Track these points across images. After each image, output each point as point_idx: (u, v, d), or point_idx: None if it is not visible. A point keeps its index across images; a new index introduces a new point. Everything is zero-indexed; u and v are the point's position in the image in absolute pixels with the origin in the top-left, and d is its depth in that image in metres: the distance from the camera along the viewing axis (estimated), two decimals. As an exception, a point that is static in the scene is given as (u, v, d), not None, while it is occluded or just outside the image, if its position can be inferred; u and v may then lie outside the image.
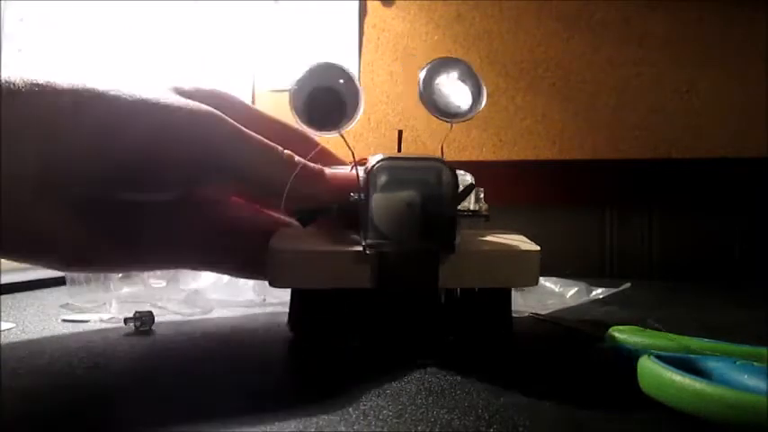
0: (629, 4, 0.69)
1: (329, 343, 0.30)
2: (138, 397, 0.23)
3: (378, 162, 0.27)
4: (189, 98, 0.29)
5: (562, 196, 0.69)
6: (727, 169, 0.65)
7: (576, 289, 0.46)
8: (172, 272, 0.47)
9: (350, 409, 0.21)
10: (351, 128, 0.29)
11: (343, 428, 0.19)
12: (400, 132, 0.36)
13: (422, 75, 0.30)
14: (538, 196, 0.70)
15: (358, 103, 0.29)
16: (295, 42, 0.76)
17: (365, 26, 0.76)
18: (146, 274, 0.46)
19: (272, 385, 0.25)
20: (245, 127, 0.30)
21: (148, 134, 0.27)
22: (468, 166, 0.31)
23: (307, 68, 0.28)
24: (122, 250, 0.31)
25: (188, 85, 0.31)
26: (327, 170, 0.31)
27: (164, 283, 0.46)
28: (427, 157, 0.29)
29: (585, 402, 0.23)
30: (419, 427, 0.19)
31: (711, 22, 0.67)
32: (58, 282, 0.48)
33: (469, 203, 0.32)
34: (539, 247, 0.30)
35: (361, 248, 0.28)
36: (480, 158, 0.72)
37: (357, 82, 0.29)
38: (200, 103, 0.28)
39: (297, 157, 0.30)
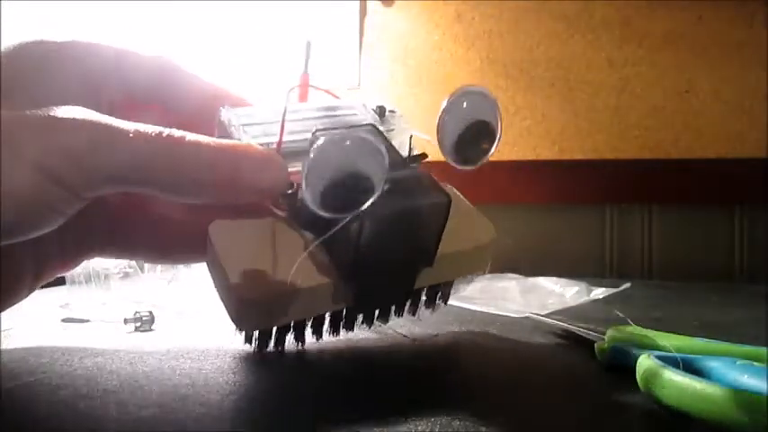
0: (629, 4, 0.68)
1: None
2: (138, 397, 0.23)
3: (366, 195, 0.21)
4: (56, 85, 0.24)
5: (562, 196, 0.69)
6: (727, 169, 0.65)
7: (576, 289, 0.46)
8: (172, 272, 0.47)
9: (350, 409, 0.21)
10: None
11: (343, 428, 0.19)
12: (308, 44, 0.32)
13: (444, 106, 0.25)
14: (538, 196, 0.70)
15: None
16: (295, 43, 0.76)
17: (365, 26, 0.76)
18: (146, 275, 0.46)
19: (272, 385, 0.25)
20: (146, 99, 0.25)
21: None
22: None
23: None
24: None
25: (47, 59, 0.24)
26: (257, 146, 0.23)
27: (164, 284, 0.46)
28: (411, 175, 0.25)
29: (586, 402, 0.23)
30: (419, 427, 0.19)
31: (711, 22, 0.67)
32: (58, 282, 0.48)
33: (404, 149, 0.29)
34: (494, 234, 0.29)
35: (338, 276, 0.25)
36: (480, 158, 0.72)
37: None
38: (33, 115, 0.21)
39: (205, 142, 0.22)
